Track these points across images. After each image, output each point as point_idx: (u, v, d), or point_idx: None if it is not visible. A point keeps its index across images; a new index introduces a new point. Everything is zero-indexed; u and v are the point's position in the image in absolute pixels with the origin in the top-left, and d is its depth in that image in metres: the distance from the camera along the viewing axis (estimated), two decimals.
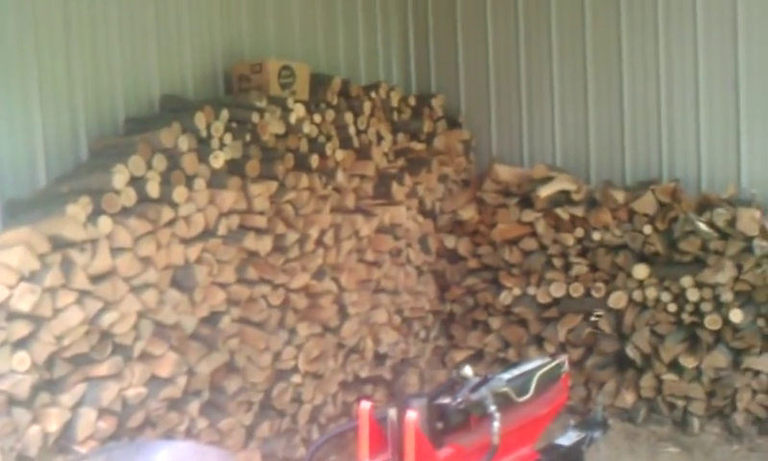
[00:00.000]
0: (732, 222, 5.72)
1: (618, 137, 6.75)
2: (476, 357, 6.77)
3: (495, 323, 6.67)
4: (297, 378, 5.35)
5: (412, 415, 2.77)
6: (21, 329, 3.86)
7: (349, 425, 3.11)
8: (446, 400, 3.03)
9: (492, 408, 2.90)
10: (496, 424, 2.87)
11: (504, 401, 3.09)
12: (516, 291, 6.53)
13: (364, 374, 5.99)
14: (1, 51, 4.54)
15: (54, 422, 3.94)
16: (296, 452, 5.30)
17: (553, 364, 3.60)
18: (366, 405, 2.90)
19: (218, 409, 4.87)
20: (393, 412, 2.83)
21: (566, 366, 3.73)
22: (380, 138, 6.34)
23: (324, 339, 5.59)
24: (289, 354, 5.29)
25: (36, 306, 3.87)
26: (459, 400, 2.97)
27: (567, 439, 3.78)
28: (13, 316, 3.85)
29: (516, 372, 3.41)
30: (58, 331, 3.98)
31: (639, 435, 5.90)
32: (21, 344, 3.87)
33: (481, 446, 3.01)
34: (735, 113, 6.22)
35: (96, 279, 4.19)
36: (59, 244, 4.07)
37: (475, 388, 3.00)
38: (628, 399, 6.05)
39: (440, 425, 3.01)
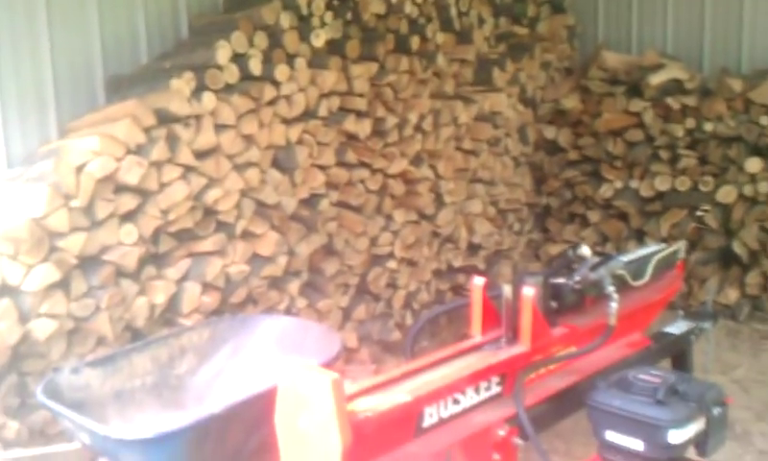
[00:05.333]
0: None
1: (736, 22, 6.31)
2: None
3: (594, 216, 6.48)
4: (392, 264, 5.33)
5: (529, 291, 2.68)
6: (128, 202, 3.91)
7: (461, 302, 3.05)
8: (562, 280, 2.93)
9: (611, 289, 2.79)
10: (614, 306, 2.76)
11: (620, 284, 2.97)
12: (618, 184, 6.31)
13: (457, 263, 5.93)
14: None
15: (160, 294, 4.02)
16: (390, 336, 5.31)
17: (670, 250, 3.46)
18: (479, 281, 2.81)
19: (316, 290, 4.90)
20: (508, 289, 2.75)
21: (683, 253, 3.57)
22: (482, 22, 6.11)
23: (419, 227, 5.53)
24: (385, 240, 5.26)
25: (142, 180, 3.90)
26: (576, 279, 2.86)
27: (677, 328, 3.64)
28: (121, 189, 3.89)
29: (632, 256, 3.28)
30: (163, 205, 4.02)
31: (741, 332, 5.72)
32: (128, 217, 3.93)
33: (594, 327, 2.91)
34: None
35: (200, 155, 4.19)
36: (164, 118, 4.07)
37: (594, 268, 2.89)
38: (731, 295, 5.83)
39: (554, 304, 2.92)
